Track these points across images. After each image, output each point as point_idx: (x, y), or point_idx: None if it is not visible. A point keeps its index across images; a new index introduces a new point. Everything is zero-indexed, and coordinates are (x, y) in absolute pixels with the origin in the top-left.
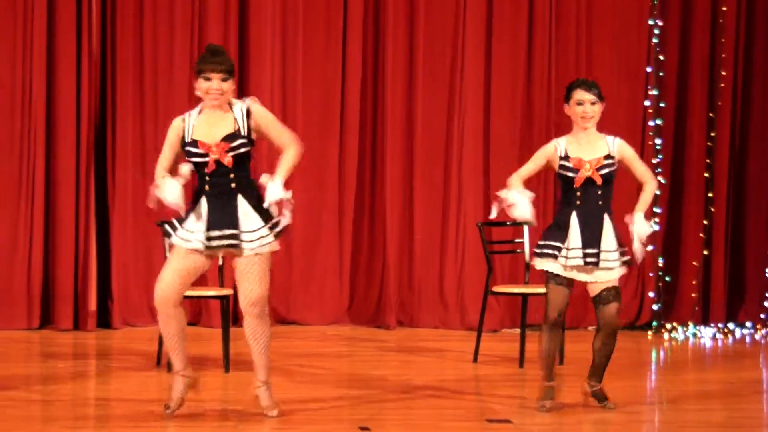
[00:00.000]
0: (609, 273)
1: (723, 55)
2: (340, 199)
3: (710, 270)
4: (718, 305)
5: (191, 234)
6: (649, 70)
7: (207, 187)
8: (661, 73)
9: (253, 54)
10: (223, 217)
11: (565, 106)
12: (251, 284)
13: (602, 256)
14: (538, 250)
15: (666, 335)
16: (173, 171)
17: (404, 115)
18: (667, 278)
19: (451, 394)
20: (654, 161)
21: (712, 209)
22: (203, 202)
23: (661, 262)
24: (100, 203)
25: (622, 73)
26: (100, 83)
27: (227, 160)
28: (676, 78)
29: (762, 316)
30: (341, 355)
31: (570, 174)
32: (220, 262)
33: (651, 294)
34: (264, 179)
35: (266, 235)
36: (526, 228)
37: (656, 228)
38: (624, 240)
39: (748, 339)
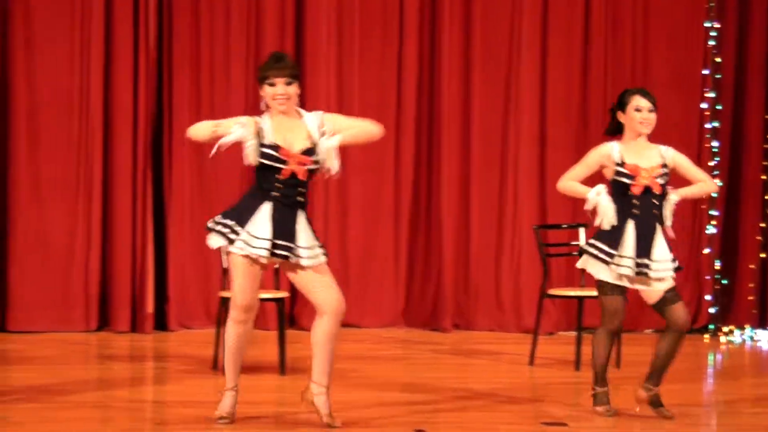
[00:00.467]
0: (662, 283)
1: None
2: (397, 201)
3: (767, 273)
4: None
5: (257, 240)
6: (705, 72)
7: (275, 194)
8: (717, 76)
9: (309, 55)
10: (285, 228)
11: (619, 113)
12: (331, 289)
13: (654, 266)
14: (588, 248)
15: (723, 338)
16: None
17: (460, 118)
18: (724, 281)
19: (507, 397)
20: (711, 164)
21: None
22: (267, 208)
23: (718, 264)
24: (157, 204)
25: (678, 75)
26: (157, 83)
27: (303, 173)
28: (733, 80)
29: None
30: (396, 358)
31: (626, 181)
32: (276, 265)
33: (708, 297)
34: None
35: (319, 254)
36: (582, 231)
37: (713, 230)
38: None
39: None
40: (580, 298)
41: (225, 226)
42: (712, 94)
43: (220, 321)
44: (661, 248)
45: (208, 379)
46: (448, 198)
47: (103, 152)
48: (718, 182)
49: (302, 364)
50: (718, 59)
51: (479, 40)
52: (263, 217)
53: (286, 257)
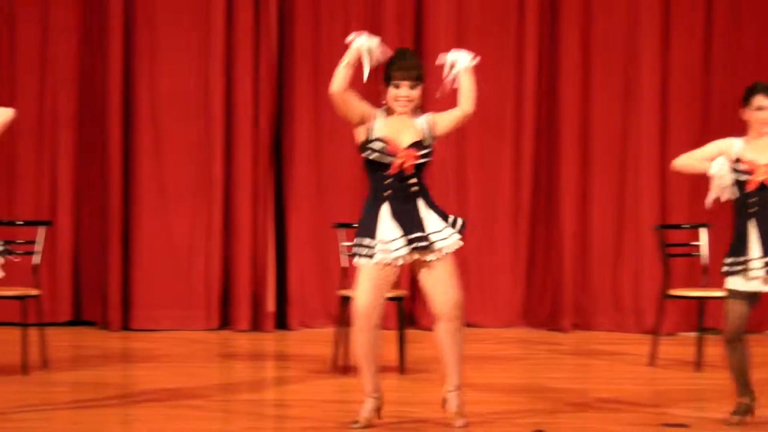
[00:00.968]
0: None
1: None
2: (516, 201)
3: None
4: None
5: (392, 243)
6: None
7: (388, 192)
8: None
9: (427, 56)
10: (410, 221)
11: (741, 110)
12: (449, 288)
13: None
14: (727, 268)
15: None
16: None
17: (579, 118)
18: None
19: (627, 397)
20: None
21: None
22: (385, 210)
23: None
24: (277, 205)
25: None
26: (277, 84)
27: (410, 167)
28: None
29: None
30: (516, 358)
31: (742, 177)
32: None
33: None
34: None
35: (452, 234)
36: (703, 230)
37: None
38: None
39: None
40: (702, 299)
41: (361, 246)
42: None
43: (340, 320)
44: None
45: (329, 378)
46: (567, 198)
47: (224, 154)
48: None
49: (422, 365)
50: None
51: (598, 39)
52: (386, 220)
53: (425, 247)
